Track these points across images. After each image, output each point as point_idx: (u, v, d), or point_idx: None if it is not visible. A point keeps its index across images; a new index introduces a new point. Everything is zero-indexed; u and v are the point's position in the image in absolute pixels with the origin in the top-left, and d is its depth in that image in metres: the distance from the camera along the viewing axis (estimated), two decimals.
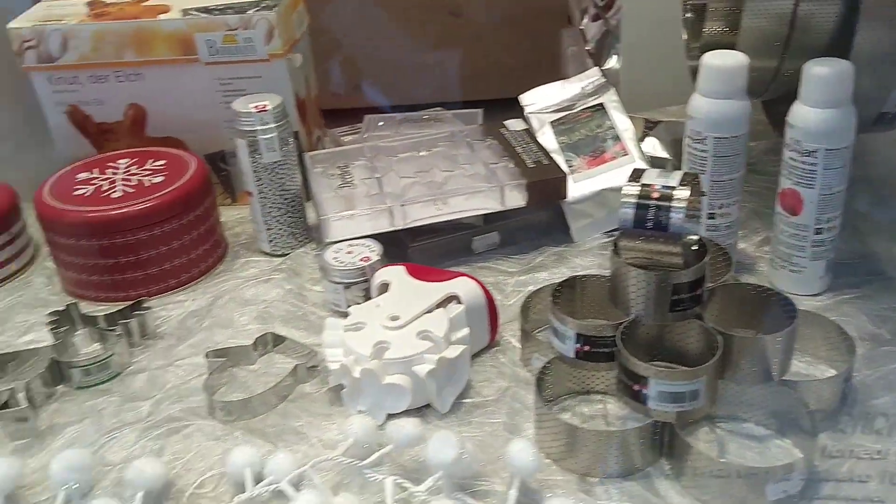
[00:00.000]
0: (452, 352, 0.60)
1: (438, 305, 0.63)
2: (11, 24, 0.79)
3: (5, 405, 0.60)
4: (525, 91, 0.87)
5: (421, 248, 0.76)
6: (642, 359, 0.53)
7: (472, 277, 0.65)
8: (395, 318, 0.62)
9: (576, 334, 0.56)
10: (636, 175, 0.54)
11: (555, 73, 1.19)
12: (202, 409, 0.61)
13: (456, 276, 0.66)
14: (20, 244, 0.80)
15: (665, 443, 0.55)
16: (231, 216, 0.86)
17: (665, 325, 0.57)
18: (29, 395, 0.61)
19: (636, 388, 0.53)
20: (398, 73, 1.18)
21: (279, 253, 0.80)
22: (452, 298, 0.64)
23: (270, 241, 0.80)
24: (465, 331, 0.62)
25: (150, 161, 0.78)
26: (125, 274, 0.73)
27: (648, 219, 0.53)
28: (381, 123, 0.95)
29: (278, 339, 0.67)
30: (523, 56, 1.19)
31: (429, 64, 1.20)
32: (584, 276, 0.62)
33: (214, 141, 0.85)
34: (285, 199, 0.78)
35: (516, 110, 0.87)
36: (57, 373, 0.64)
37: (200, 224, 0.76)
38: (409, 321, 0.61)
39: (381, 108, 1.00)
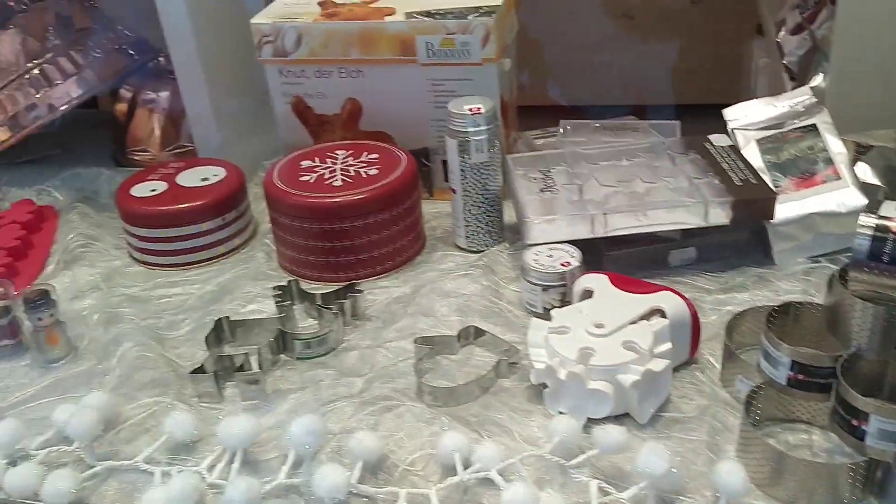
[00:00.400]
0: (657, 365, 0.60)
1: (642, 317, 0.64)
2: (254, 20, 0.87)
3: (240, 368, 0.66)
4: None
5: (616, 258, 0.77)
6: (861, 393, 0.52)
7: (678, 293, 0.66)
8: (599, 326, 0.63)
9: (790, 361, 0.56)
10: (874, 206, 0.53)
11: (736, 81, 1.16)
12: (410, 391, 0.65)
13: (660, 290, 0.66)
14: (245, 221, 0.87)
15: (877, 481, 0.54)
16: (427, 210, 0.90)
17: (888, 361, 0.56)
18: (259, 360, 0.67)
19: (855, 422, 0.52)
20: (570, 73, 1.18)
21: (474, 249, 0.83)
22: (656, 311, 0.65)
23: (467, 237, 0.83)
24: (667, 345, 0.62)
25: (365, 154, 0.84)
26: (339, 257, 0.79)
27: (885, 252, 0.52)
28: (568, 128, 0.96)
29: (479, 333, 0.70)
30: (699, 62, 1.16)
31: (600, 65, 1.20)
32: (800, 302, 0.61)
33: (420, 138, 0.89)
34: (486, 198, 0.81)
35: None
36: (281, 343, 0.70)
37: (407, 216, 0.81)
38: (614, 330, 0.63)
39: (564, 107, 1.01)
